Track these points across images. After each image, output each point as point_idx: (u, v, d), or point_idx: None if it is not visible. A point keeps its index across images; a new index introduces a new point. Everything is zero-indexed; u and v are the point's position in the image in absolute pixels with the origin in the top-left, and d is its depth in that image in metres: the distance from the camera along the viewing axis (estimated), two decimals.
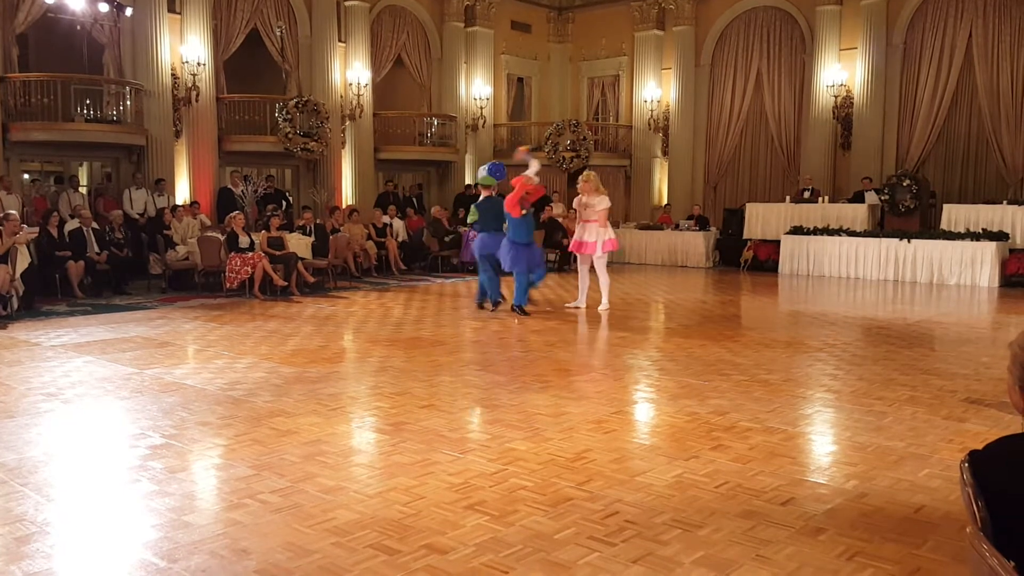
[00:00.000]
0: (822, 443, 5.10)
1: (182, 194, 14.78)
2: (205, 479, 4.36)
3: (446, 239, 15.79)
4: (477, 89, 19.36)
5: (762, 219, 16.18)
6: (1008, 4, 15.39)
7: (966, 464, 2.08)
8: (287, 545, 3.40)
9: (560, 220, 16.92)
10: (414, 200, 17.73)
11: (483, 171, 10.51)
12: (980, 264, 13.12)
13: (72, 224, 11.90)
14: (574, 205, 10.52)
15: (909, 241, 13.80)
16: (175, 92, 14.65)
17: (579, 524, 3.62)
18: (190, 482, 4.24)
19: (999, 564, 1.77)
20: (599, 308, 10.22)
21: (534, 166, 10.24)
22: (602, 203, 10.18)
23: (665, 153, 19.75)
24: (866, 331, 9.12)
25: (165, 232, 12.61)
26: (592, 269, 10.40)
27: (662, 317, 10.40)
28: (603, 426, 5.16)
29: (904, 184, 14.75)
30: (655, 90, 19.60)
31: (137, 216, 13.56)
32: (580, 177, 10.51)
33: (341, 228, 14.13)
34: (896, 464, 4.45)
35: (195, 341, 8.30)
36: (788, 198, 16.28)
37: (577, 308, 10.39)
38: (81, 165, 15.48)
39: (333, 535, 3.49)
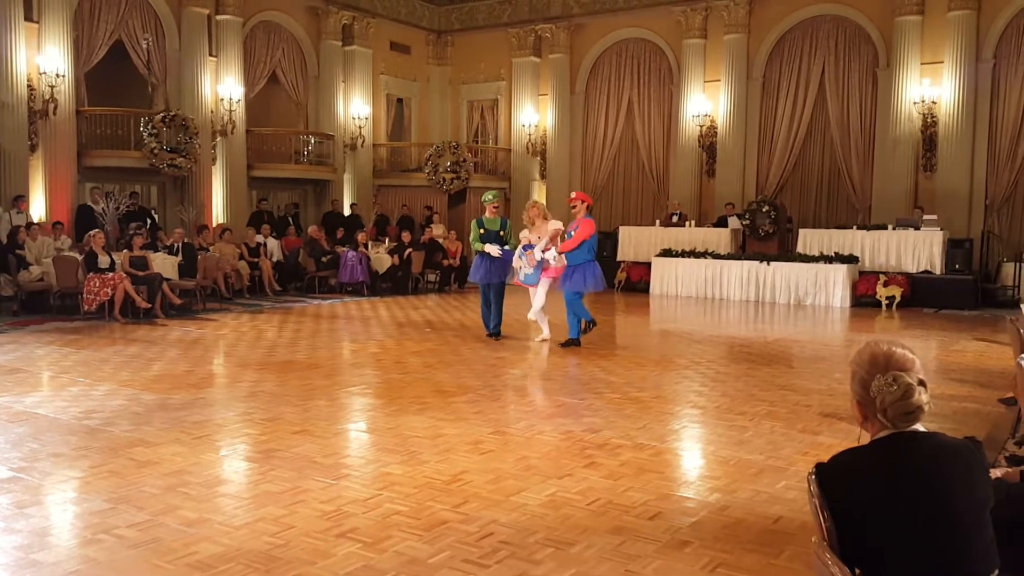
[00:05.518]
0: (688, 458, 5.31)
1: (37, 211, 13.91)
2: (57, 514, 4.10)
3: (323, 259, 15.52)
4: (356, 108, 19.17)
5: (634, 242, 16.76)
6: (857, 41, 16.59)
7: (813, 476, 2.20)
8: None
9: (441, 241, 16.95)
10: (290, 220, 17.33)
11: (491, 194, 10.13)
12: (833, 285, 13.99)
13: None
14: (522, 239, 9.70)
15: (768, 264, 14.56)
16: (31, 104, 13.81)
17: (453, 547, 3.61)
18: (40, 518, 3.97)
19: (840, 573, 1.88)
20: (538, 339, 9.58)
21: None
22: (553, 225, 9.52)
23: (543, 176, 20.12)
24: (729, 349, 9.55)
25: (18, 251, 11.82)
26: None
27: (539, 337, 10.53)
28: (480, 447, 5.18)
29: (763, 210, 15.60)
30: (532, 115, 19.97)
31: None
32: (529, 205, 10.09)
33: (211, 247, 13.62)
34: (756, 477, 4.67)
35: (49, 367, 7.80)
36: (658, 222, 16.91)
37: (544, 340, 9.58)
38: None
39: (195, 570, 3.35)
